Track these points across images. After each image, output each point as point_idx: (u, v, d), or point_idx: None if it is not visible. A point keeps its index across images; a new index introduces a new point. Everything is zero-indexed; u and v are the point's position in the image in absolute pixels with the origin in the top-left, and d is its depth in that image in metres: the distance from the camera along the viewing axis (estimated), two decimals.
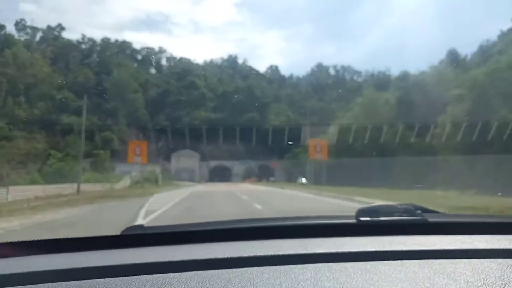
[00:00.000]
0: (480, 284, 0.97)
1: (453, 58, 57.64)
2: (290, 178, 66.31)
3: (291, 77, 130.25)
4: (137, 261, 1.11)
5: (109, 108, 77.29)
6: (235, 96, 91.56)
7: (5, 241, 1.33)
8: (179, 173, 69.51)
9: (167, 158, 72.27)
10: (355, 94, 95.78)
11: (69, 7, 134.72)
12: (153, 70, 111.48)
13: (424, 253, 1.18)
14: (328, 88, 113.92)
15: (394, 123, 38.08)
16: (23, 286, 0.98)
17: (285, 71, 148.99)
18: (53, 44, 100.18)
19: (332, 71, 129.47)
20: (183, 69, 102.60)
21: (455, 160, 32.61)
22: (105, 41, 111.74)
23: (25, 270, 1.07)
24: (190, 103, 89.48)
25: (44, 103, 72.87)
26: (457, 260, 1.12)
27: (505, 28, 52.68)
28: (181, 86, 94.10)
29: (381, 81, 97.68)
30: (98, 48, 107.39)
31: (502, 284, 0.97)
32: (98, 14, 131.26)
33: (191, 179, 67.54)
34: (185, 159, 71.33)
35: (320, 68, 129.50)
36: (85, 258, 1.19)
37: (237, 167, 75.77)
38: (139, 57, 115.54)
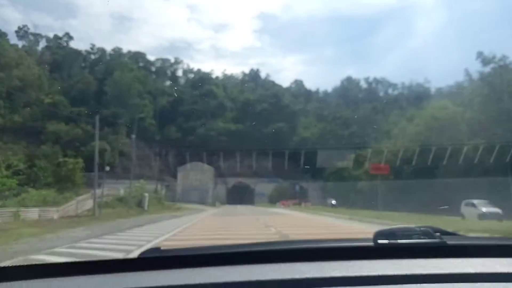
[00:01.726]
0: None
1: None
2: (324, 201, 48.63)
3: (317, 91, 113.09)
4: (155, 284, 1.08)
5: (108, 115, 61.86)
6: (259, 105, 75.27)
7: (23, 264, 1.30)
8: (187, 193, 52.14)
9: (175, 175, 55.72)
10: (393, 106, 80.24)
11: (96, 36, 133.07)
12: (167, 82, 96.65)
13: (444, 276, 1.11)
14: (360, 101, 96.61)
15: None
16: None
17: (309, 87, 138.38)
18: (57, 52, 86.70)
19: (364, 84, 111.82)
20: (200, 78, 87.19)
21: None
22: (116, 51, 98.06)
23: None
24: (206, 113, 73.59)
25: (29, 109, 57.89)
26: (479, 284, 1.07)
27: None
28: (196, 95, 78.37)
29: (420, 94, 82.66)
30: (108, 58, 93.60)
31: None
32: (122, 42, 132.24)
33: (203, 201, 50.15)
34: (195, 175, 54.10)
35: (350, 81, 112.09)
36: (103, 280, 1.17)
37: (261, 186, 58.26)
38: (153, 68, 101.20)
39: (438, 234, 1.36)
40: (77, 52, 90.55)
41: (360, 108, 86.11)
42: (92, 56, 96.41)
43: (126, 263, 1.33)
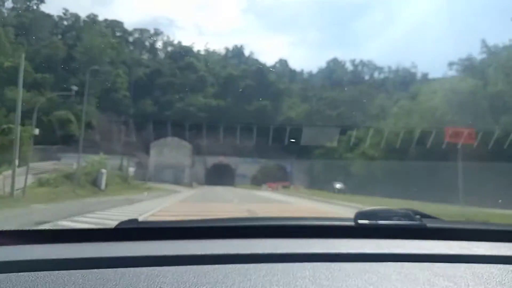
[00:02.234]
0: None
1: None
2: (322, 186, 44.00)
3: (302, 72, 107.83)
4: (131, 254, 1.06)
5: (76, 83, 55.28)
6: (243, 81, 69.65)
7: (3, 229, 1.26)
8: (160, 171, 46.55)
9: (149, 151, 50.01)
10: (379, 90, 76.72)
11: (72, 8, 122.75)
12: (146, 54, 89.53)
13: (423, 256, 1.12)
14: (345, 83, 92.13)
15: None
16: (18, 273, 0.93)
17: (294, 67, 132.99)
18: (24, 14, 78.47)
19: (349, 66, 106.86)
20: (180, 50, 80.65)
21: None
22: (91, 18, 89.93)
23: (21, 258, 1.03)
24: (186, 86, 67.47)
25: None
26: (457, 264, 1.07)
27: None
28: (175, 67, 72.08)
29: (405, 79, 79.57)
30: (82, 24, 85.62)
31: None
32: (101, 15, 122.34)
33: (178, 181, 44.83)
34: (170, 151, 48.40)
35: (336, 63, 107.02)
36: (80, 249, 1.15)
37: (243, 166, 53.21)
38: (131, 39, 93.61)
39: (418, 216, 1.35)
40: (47, 16, 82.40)
41: (345, 89, 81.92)
42: (65, 22, 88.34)
43: (102, 233, 1.30)
